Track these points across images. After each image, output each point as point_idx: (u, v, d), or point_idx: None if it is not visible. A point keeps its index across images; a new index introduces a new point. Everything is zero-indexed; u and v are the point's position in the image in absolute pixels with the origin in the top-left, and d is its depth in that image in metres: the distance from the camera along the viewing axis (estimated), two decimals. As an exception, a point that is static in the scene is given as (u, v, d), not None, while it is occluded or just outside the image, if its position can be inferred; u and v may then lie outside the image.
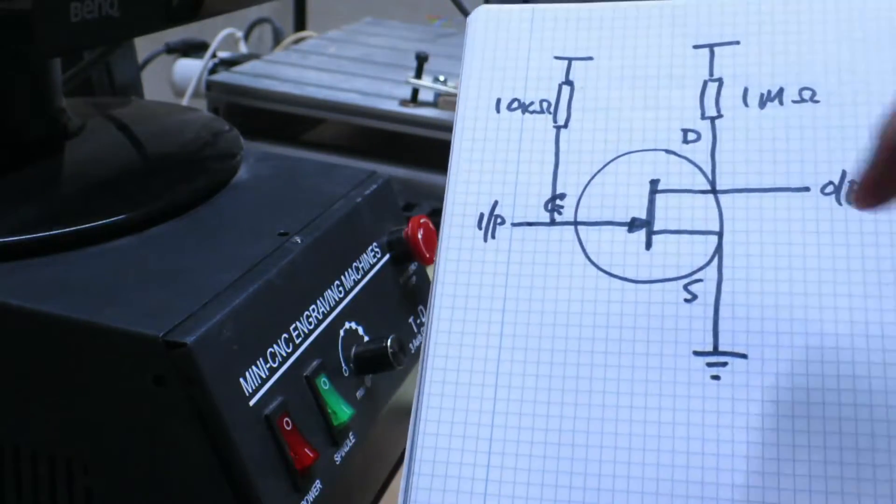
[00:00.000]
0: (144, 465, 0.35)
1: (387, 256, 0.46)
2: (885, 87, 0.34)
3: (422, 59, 0.76)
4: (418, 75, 0.76)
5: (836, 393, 0.30)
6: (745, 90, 0.35)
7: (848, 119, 0.34)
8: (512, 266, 0.34)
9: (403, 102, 0.76)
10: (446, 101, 0.75)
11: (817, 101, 0.34)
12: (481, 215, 0.36)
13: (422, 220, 0.46)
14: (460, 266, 0.35)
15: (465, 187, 0.36)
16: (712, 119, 0.35)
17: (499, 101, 0.37)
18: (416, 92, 0.76)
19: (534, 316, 0.34)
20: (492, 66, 0.38)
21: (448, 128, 0.76)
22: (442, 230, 0.36)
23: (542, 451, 0.32)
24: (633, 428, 0.31)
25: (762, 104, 0.35)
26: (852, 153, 0.33)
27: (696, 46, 0.36)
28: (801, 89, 0.35)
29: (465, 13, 0.72)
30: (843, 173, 0.33)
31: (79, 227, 0.39)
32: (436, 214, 0.70)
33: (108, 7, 0.41)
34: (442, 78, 0.76)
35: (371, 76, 0.83)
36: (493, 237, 0.35)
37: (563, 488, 0.31)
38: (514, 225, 0.35)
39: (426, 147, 0.75)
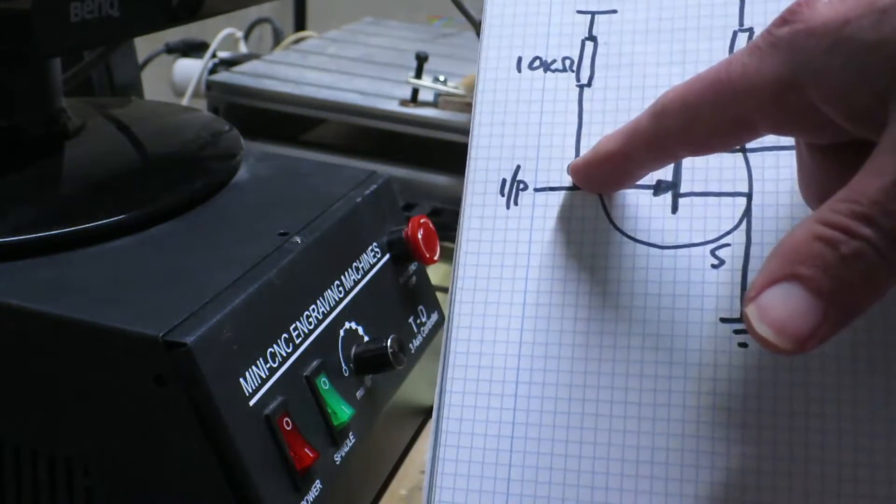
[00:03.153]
0: (144, 465, 0.35)
1: (387, 256, 0.46)
2: None
3: (422, 59, 0.76)
4: (418, 75, 0.76)
5: (868, 362, 0.29)
6: None
7: None
8: (535, 233, 0.33)
9: (403, 102, 0.76)
10: (446, 101, 0.75)
11: None
12: (503, 181, 0.34)
13: (422, 220, 0.46)
14: (483, 235, 0.34)
15: (486, 152, 0.35)
16: None
17: (520, 59, 0.36)
18: (416, 92, 0.76)
19: (557, 284, 0.32)
20: (512, 24, 0.36)
21: (448, 128, 0.77)
22: (464, 197, 0.35)
23: (565, 421, 0.31)
24: (658, 398, 0.30)
25: None
26: None
27: None
28: None
29: (466, 13, 0.72)
30: None
31: (79, 227, 0.39)
32: (436, 214, 0.71)
33: (108, 7, 0.41)
34: (442, 78, 0.76)
35: (371, 76, 0.83)
36: (516, 204, 0.34)
37: (587, 459, 0.30)
38: (536, 190, 0.34)
39: (426, 147, 0.75)
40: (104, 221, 0.40)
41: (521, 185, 0.34)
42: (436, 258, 0.46)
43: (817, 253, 0.24)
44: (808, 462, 0.29)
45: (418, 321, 0.48)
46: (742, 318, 0.25)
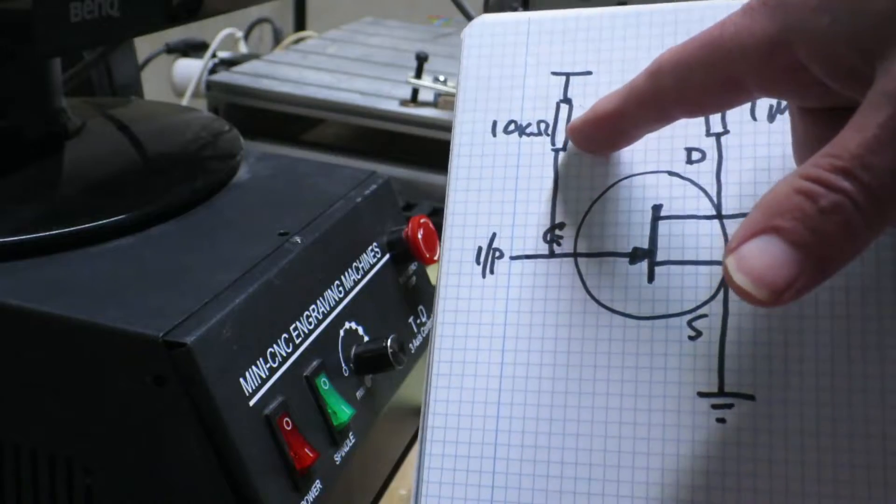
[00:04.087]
0: (144, 465, 0.35)
1: (387, 256, 0.46)
2: None
3: (422, 59, 0.76)
4: (418, 75, 0.76)
5: (847, 438, 0.28)
6: (754, 102, 0.32)
7: None
8: (511, 303, 0.33)
9: (403, 102, 0.76)
10: (446, 101, 0.75)
11: None
12: (479, 249, 0.34)
13: (422, 220, 0.46)
14: (459, 304, 0.33)
15: (462, 219, 0.34)
16: (718, 136, 0.33)
17: (495, 123, 0.35)
18: (416, 92, 0.76)
19: (533, 356, 0.32)
20: (487, 87, 0.36)
21: (448, 127, 0.76)
22: (440, 264, 0.34)
23: (543, 499, 0.31)
24: (636, 475, 0.30)
25: (771, 117, 0.32)
26: None
27: None
28: None
29: (466, 14, 0.72)
30: None
31: (79, 227, 0.39)
32: (436, 214, 0.71)
33: (108, 7, 0.41)
34: (442, 78, 0.76)
35: (371, 76, 0.83)
36: (492, 272, 0.33)
37: None
38: (512, 258, 0.33)
39: (426, 147, 0.75)
40: (104, 221, 0.40)
41: (497, 254, 0.34)
42: (436, 258, 0.46)
43: (796, 206, 0.24)
44: None
45: (418, 321, 0.48)
46: (723, 272, 0.25)
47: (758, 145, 0.32)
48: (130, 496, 0.35)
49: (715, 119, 0.33)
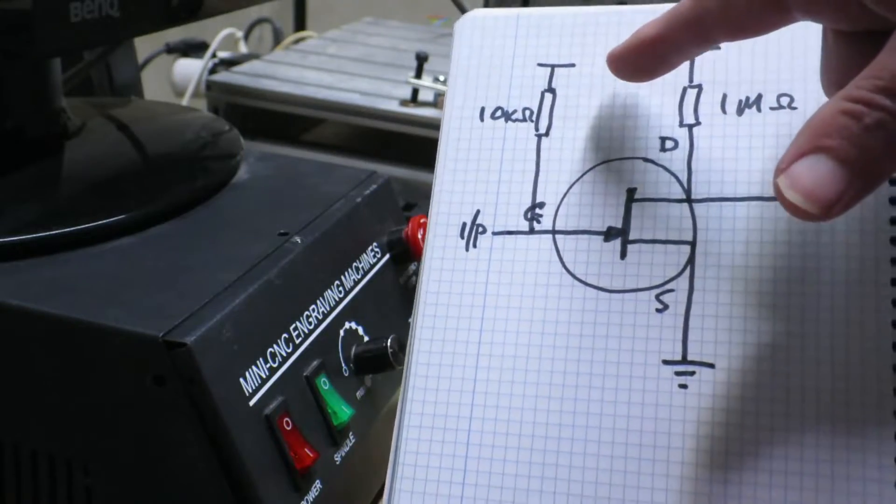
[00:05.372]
0: (144, 465, 0.35)
1: (387, 256, 0.46)
2: None
3: (422, 59, 0.76)
4: (418, 75, 0.76)
5: (800, 404, 0.31)
6: (724, 97, 0.35)
7: None
8: (492, 275, 0.35)
9: (403, 102, 0.76)
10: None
11: (795, 108, 0.34)
12: (464, 224, 0.36)
13: (422, 220, 0.46)
14: (443, 275, 0.36)
15: (448, 196, 0.37)
16: (690, 127, 0.35)
17: (483, 109, 0.38)
18: (416, 92, 0.76)
19: (511, 324, 0.34)
20: (476, 75, 0.38)
21: (448, 128, 0.76)
22: (426, 239, 0.37)
23: (515, 455, 0.33)
24: (602, 435, 0.32)
25: (740, 111, 0.35)
26: None
27: None
28: (780, 95, 0.34)
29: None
30: None
31: (79, 227, 0.39)
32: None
33: (108, 7, 0.41)
34: (442, 78, 0.76)
35: (371, 76, 0.83)
36: (475, 246, 0.36)
37: (535, 493, 0.32)
38: (494, 234, 0.36)
39: (426, 147, 0.75)
40: (104, 221, 0.40)
41: (480, 229, 0.36)
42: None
43: (842, 125, 0.26)
44: (728, 498, 0.30)
45: (418, 321, 0.48)
46: (775, 191, 0.27)
47: (727, 136, 0.34)
48: (130, 496, 0.35)
49: (688, 111, 0.35)
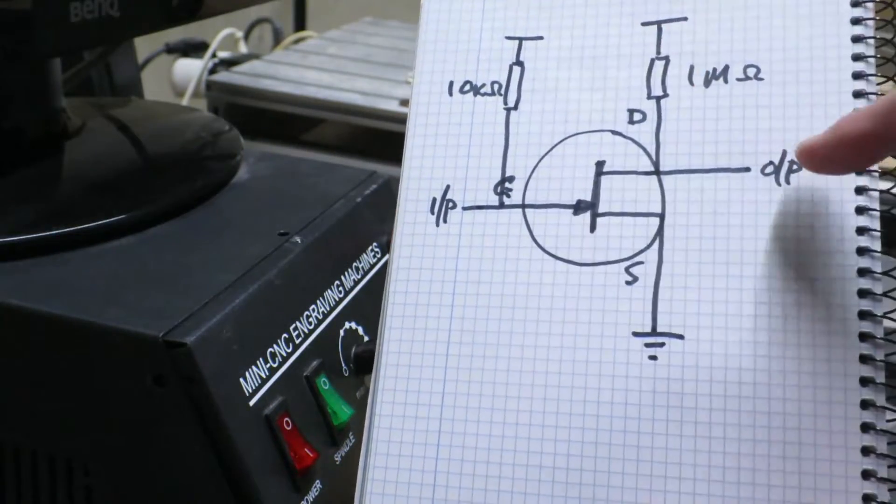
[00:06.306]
0: (144, 465, 0.35)
1: (387, 256, 0.46)
2: (827, 64, 0.34)
3: (422, 59, 0.76)
4: (418, 75, 0.76)
5: (767, 374, 0.31)
6: (692, 68, 0.35)
7: (790, 97, 0.34)
8: (462, 250, 0.35)
9: (403, 102, 0.76)
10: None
11: (761, 79, 0.34)
12: (433, 200, 0.36)
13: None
14: (413, 251, 0.36)
15: (418, 172, 0.37)
16: (658, 99, 0.35)
17: (451, 83, 0.38)
18: (416, 92, 0.76)
19: (482, 299, 0.35)
20: (444, 49, 0.38)
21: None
22: (397, 215, 0.37)
23: (487, 429, 0.33)
24: (574, 408, 0.32)
25: (707, 83, 0.35)
26: (793, 133, 0.33)
27: (644, 24, 0.36)
28: (746, 66, 0.34)
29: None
30: (784, 153, 0.33)
31: (79, 227, 0.39)
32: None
33: (108, 7, 0.41)
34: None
35: (371, 76, 0.83)
36: (445, 221, 0.36)
37: (507, 465, 0.32)
38: (464, 209, 0.36)
39: (426, 147, 0.75)
40: (104, 221, 0.40)
41: (450, 204, 0.36)
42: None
43: None
44: (697, 467, 0.31)
45: (418, 321, 0.48)
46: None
47: (694, 108, 0.35)
48: (130, 496, 0.35)
49: (655, 83, 0.35)
